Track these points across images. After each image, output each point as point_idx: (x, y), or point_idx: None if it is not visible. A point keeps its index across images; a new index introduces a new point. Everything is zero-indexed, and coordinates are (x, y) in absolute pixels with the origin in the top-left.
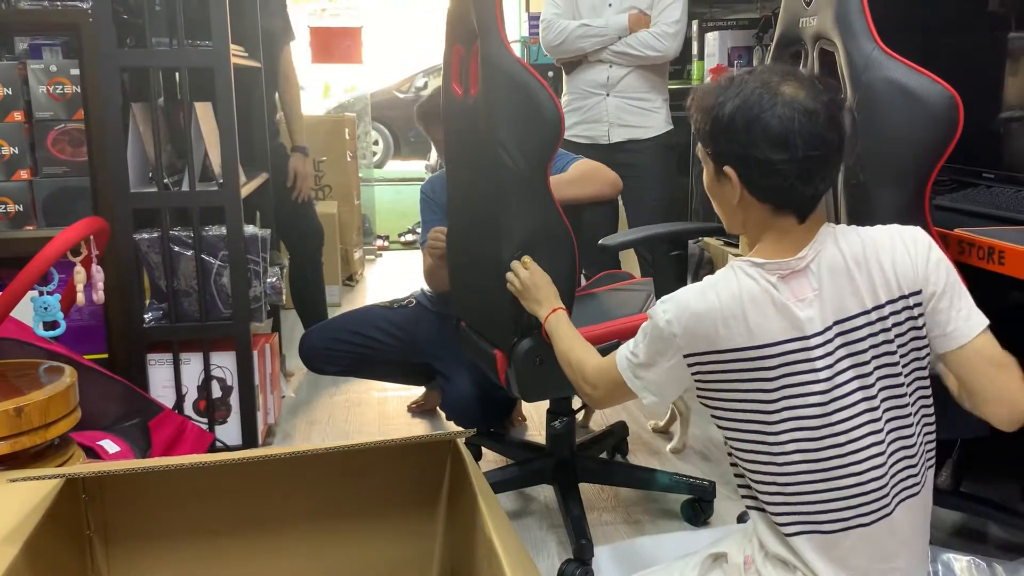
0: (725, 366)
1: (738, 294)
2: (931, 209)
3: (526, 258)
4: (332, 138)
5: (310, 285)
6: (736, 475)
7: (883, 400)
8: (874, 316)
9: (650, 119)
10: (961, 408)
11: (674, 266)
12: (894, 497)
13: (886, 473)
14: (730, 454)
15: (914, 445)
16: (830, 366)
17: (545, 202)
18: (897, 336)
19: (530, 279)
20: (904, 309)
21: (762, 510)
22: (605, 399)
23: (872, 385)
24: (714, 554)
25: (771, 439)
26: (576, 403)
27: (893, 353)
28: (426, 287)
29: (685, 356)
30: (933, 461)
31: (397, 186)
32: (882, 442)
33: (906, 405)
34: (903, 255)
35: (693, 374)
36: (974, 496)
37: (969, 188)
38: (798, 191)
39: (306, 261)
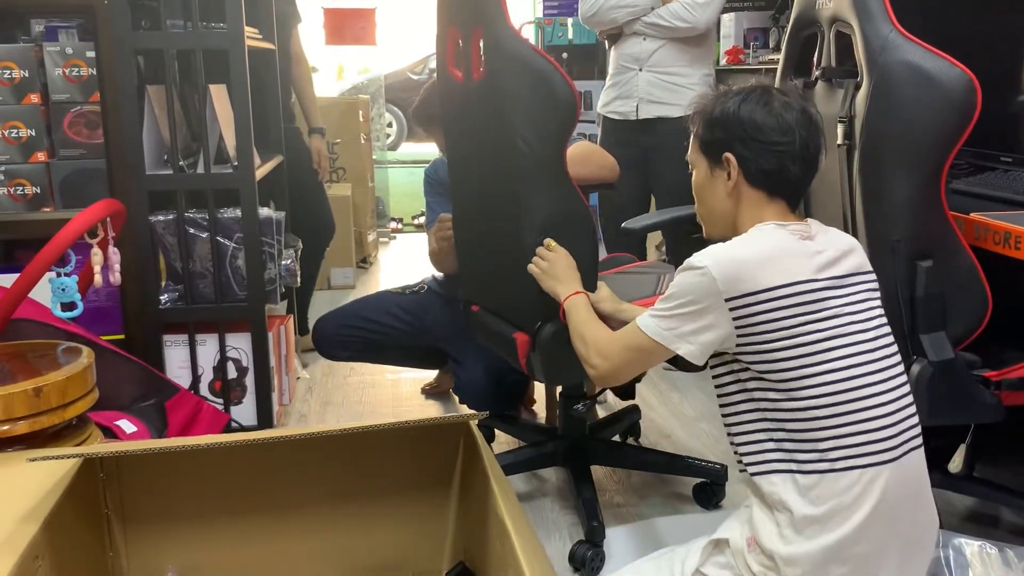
0: (768, 305)
1: (771, 242)
2: (947, 193)
3: (549, 241)
4: (346, 120)
5: (309, 271)
6: (751, 442)
7: (889, 350)
8: (869, 278)
9: (682, 96)
10: (977, 393)
11: (694, 249)
12: (903, 442)
13: (901, 408)
14: (756, 422)
15: (910, 395)
16: (862, 301)
17: (564, 184)
18: (874, 300)
19: (552, 261)
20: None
21: (794, 469)
22: (615, 371)
23: (887, 333)
24: (715, 540)
25: (819, 369)
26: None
27: (880, 313)
28: (436, 272)
29: (727, 300)
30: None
31: (411, 168)
32: (902, 384)
33: (895, 356)
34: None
35: (735, 317)
36: (987, 481)
37: (986, 172)
38: (792, 175)
39: (311, 248)
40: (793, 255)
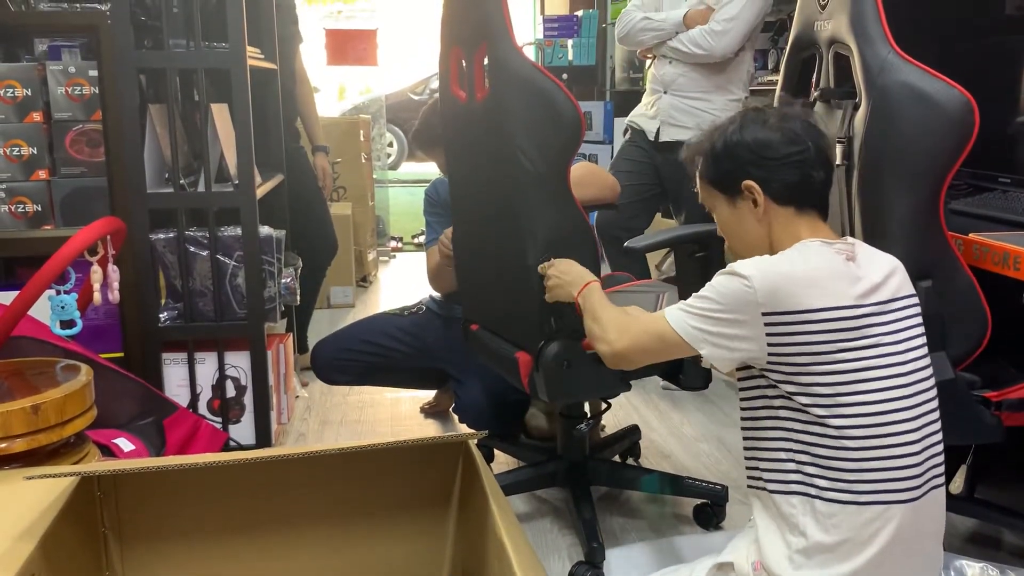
0: (807, 327)
1: (817, 262)
2: (946, 213)
3: (544, 265)
4: (347, 140)
5: (308, 290)
6: (772, 459)
7: (924, 384)
8: (911, 301)
9: (704, 121)
10: (977, 414)
11: (699, 268)
12: (927, 480)
13: (927, 447)
14: (781, 440)
15: (939, 432)
16: (903, 330)
17: (567, 202)
18: (915, 326)
19: (555, 271)
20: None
21: (813, 494)
22: (630, 350)
23: (924, 360)
24: (719, 564)
25: (853, 400)
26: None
27: (920, 336)
28: (434, 292)
29: (764, 314)
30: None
31: (411, 188)
32: (933, 420)
33: (930, 391)
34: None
35: (769, 334)
36: (988, 502)
37: (985, 192)
38: (816, 181)
39: (312, 268)
40: (838, 277)
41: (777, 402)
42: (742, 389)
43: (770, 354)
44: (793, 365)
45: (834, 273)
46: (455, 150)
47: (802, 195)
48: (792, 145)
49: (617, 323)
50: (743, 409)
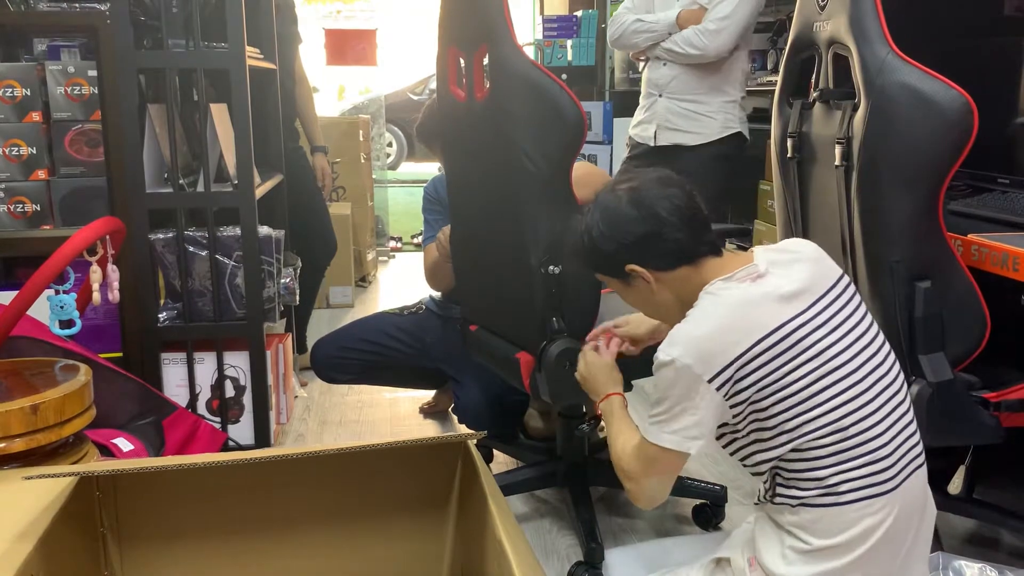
0: (749, 367)
1: (728, 303)
2: (945, 214)
3: (586, 348)
4: (346, 140)
5: (307, 289)
6: (759, 475)
7: (881, 370)
8: (838, 287)
9: (701, 124)
10: (976, 414)
11: None
12: (905, 467)
13: (898, 432)
14: (760, 463)
15: (909, 412)
16: (840, 325)
17: (569, 203)
18: (853, 312)
19: (586, 369)
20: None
21: (809, 503)
22: (645, 484)
23: (875, 345)
24: (716, 558)
25: (813, 413)
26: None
27: (861, 321)
28: (434, 292)
29: (710, 381)
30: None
31: (410, 188)
32: (901, 403)
33: (888, 372)
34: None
35: (725, 396)
36: (986, 503)
37: (984, 193)
38: (688, 239)
39: (311, 268)
40: (753, 306)
41: (750, 438)
42: (720, 441)
43: (731, 407)
44: (752, 404)
45: (747, 305)
46: (453, 149)
47: (683, 255)
48: (646, 222)
49: (622, 467)
50: (722, 447)
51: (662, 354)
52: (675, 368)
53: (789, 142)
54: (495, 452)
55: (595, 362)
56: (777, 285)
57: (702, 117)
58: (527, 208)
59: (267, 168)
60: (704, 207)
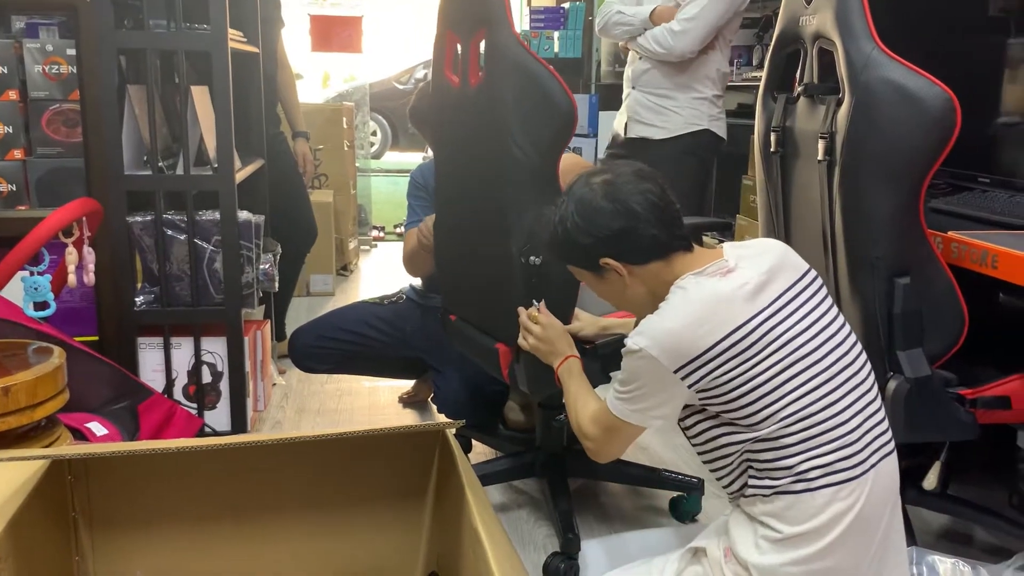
0: (716, 362)
1: (698, 298)
2: (926, 211)
3: (537, 311)
4: (330, 127)
5: (287, 277)
6: (728, 474)
7: (846, 360)
8: (803, 281)
9: (667, 119)
10: (953, 411)
11: None
12: (873, 452)
13: (865, 419)
14: (727, 448)
15: (876, 400)
16: (805, 316)
17: (556, 194)
18: (819, 304)
19: (542, 332)
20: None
21: (781, 491)
22: (604, 448)
23: (840, 335)
24: (693, 548)
25: (781, 404)
26: None
27: (826, 313)
28: (414, 281)
29: (676, 372)
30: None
31: (394, 177)
32: (868, 391)
33: (854, 363)
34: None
35: (690, 386)
36: (960, 499)
37: (964, 192)
38: (663, 235)
39: (291, 254)
40: (723, 301)
41: (719, 430)
42: (681, 421)
43: (699, 395)
44: (721, 395)
45: (717, 300)
46: (444, 135)
47: (657, 249)
48: (621, 217)
49: (581, 427)
50: (689, 437)
51: (631, 343)
52: (642, 358)
53: (772, 136)
54: (474, 442)
55: (551, 325)
56: (745, 280)
57: (668, 112)
58: (512, 196)
59: (248, 152)
60: (676, 201)
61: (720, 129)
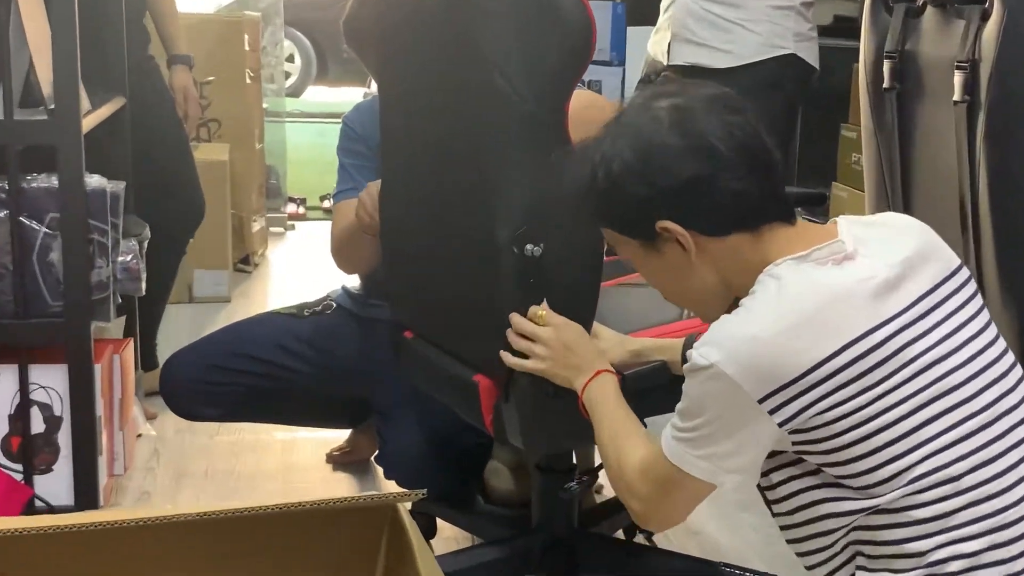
0: (821, 388)
1: (801, 293)
2: None
3: (539, 310)
4: (224, 49)
5: (158, 274)
6: (827, 561)
7: (999, 392)
8: (955, 279)
9: (733, 39)
10: None
11: None
12: None
13: None
14: (829, 531)
15: None
16: (956, 331)
17: (563, 151)
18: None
19: (556, 339)
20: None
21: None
22: (657, 511)
23: (1005, 361)
24: None
25: (915, 456)
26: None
27: (983, 331)
28: (349, 281)
29: (762, 402)
30: None
31: (320, 124)
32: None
33: (1020, 405)
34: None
35: (782, 423)
36: None
37: None
38: (755, 193)
39: (165, 240)
40: (836, 300)
41: (820, 493)
42: (765, 476)
43: (794, 440)
44: (824, 441)
45: (828, 299)
46: (395, 61)
47: (744, 213)
48: (696, 159)
49: (629, 480)
50: (768, 500)
51: (698, 356)
52: (713, 378)
53: (887, 66)
54: (440, 522)
55: (566, 325)
56: (870, 273)
57: (735, 28)
58: (500, 156)
59: (101, 88)
60: (775, 149)
61: (810, 54)
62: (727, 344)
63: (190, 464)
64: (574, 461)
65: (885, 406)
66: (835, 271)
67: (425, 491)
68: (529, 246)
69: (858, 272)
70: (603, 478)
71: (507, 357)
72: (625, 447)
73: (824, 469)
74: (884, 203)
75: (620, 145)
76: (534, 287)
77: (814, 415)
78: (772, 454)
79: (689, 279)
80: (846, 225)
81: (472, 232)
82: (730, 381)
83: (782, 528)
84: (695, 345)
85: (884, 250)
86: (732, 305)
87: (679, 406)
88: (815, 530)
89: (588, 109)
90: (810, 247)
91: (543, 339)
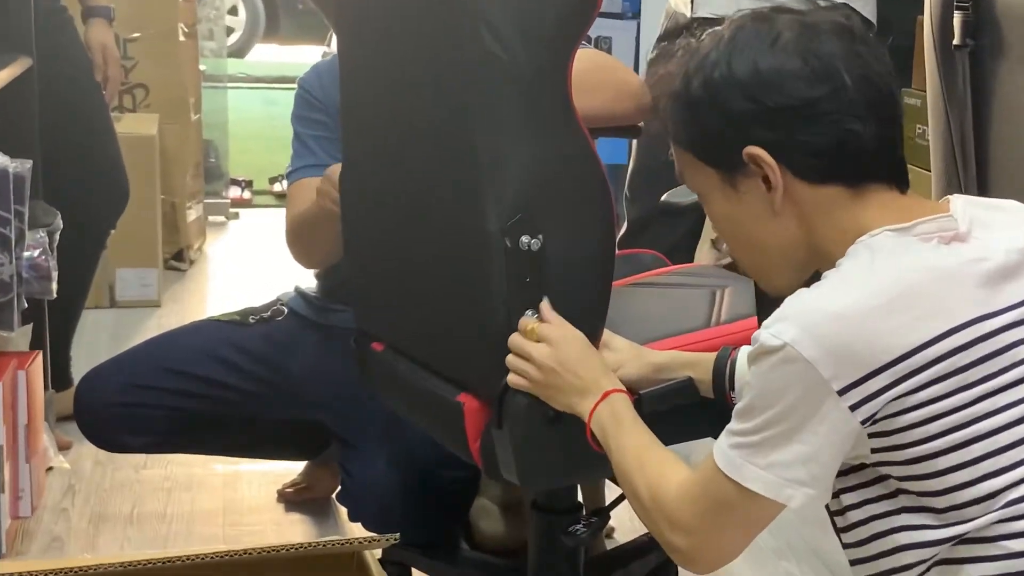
0: (916, 380)
1: (899, 269)
2: None
3: (531, 323)
4: (151, 1)
5: (73, 273)
6: None
7: None
8: None
9: None
10: None
11: None
12: None
13: None
14: (905, 569)
15: None
16: None
17: (564, 121)
18: None
19: (551, 358)
20: None
21: None
22: (708, 543)
23: None
24: None
25: (1007, 477)
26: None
27: None
28: (305, 280)
29: (843, 394)
30: None
31: (268, 91)
32: None
33: None
34: None
35: (864, 420)
36: None
37: None
38: (869, 140)
39: (81, 232)
40: (943, 279)
41: (890, 511)
42: (838, 497)
43: (875, 446)
44: (910, 448)
45: (932, 275)
46: (361, 16)
47: (851, 163)
48: (818, 83)
49: (666, 511)
50: (837, 524)
51: (768, 334)
52: (785, 361)
53: (957, 19)
54: (416, 573)
55: (568, 337)
56: (983, 254)
57: None
58: (489, 129)
59: (1, 46)
60: (901, 102)
61: (865, 6)
62: (805, 320)
63: (112, 504)
64: (579, 499)
65: (987, 410)
66: (942, 249)
67: (398, 535)
68: (525, 237)
69: (968, 253)
70: (616, 518)
71: (514, 378)
72: (659, 472)
73: (905, 489)
74: (955, 184)
75: (726, 53)
76: (531, 288)
77: (904, 412)
78: (842, 472)
79: (765, 229)
80: (961, 204)
81: (456, 221)
82: (806, 366)
83: (852, 562)
84: (764, 323)
85: (1003, 235)
86: (810, 280)
87: (738, 406)
88: (890, 565)
89: (595, 72)
90: (916, 219)
91: (535, 359)
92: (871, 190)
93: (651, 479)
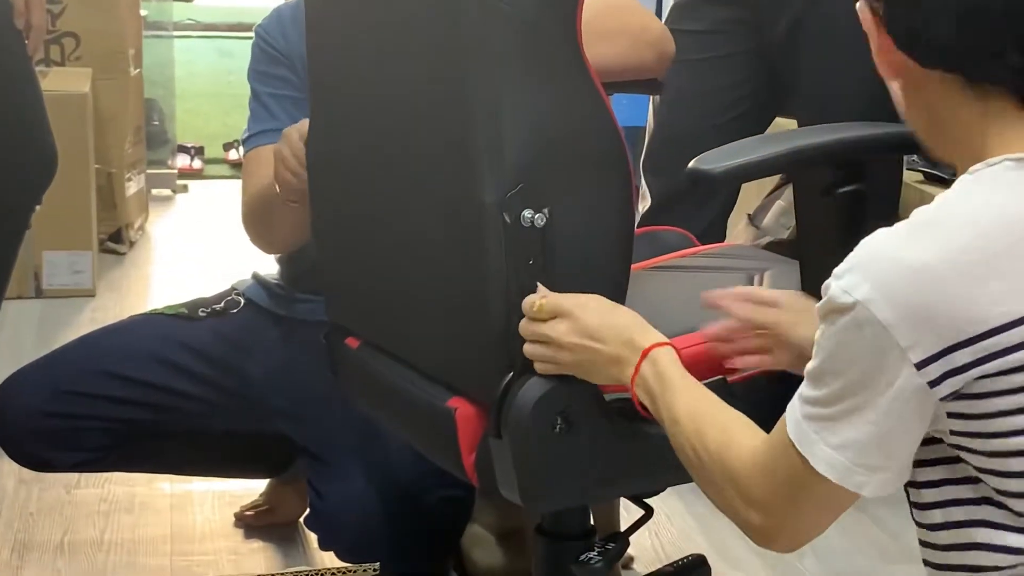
0: (1014, 358)
1: (1002, 214)
2: None
3: (537, 299)
4: None
5: None
6: None
7: None
8: None
9: None
10: None
11: (834, 217)
12: None
13: None
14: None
15: None
16: None
17: (573, 74)
18: None
19: (574, 332)
20: None
21: None
22: (788, 524)
23: None
24: None
25: None
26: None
27: None
28: (263, 266)
29: (920, 367)
30: None
31: (223, 40)
32: None
33: None
34: None
35: (944, 397)
36: None
37: None
38: (1000, 12)
39: (0, 208)
40: None
41: (981, 509)
42: (912, 484)
43: (954, 429)
44: (990, 436)
45: None
46: None
47: (957, 46)
48: None
49: (741, 484)
50: (918, 520)
51: (838, 287)
52: (856, 325)
53: None
54: None
55: (581, 309)
56: None
57: None
58: (485, 86)
59: None
60: None
61: None
62: (881, 273)
63: (39, 530)
64: (591, 522)
65: None
66: None
67: (377, 566)
68: (528, 212)
69: None
70: (635, 545)
71: (538, 365)
72: (723, 439)
73: (983, 477)
74: None
75: None
76: (535, 271)
77: (990, 396)
78: (926, 461)
79: (951, 118)
80: None
81: (446, 193)
82: (880, 331)
83: (922, 544)
84: (835, 271)
85: None
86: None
87: (809, 366)
88: (961, 561)
89: (609, 15)
90: None
91: (555, 339)
92: (991, 96)
93: (715, 446)
